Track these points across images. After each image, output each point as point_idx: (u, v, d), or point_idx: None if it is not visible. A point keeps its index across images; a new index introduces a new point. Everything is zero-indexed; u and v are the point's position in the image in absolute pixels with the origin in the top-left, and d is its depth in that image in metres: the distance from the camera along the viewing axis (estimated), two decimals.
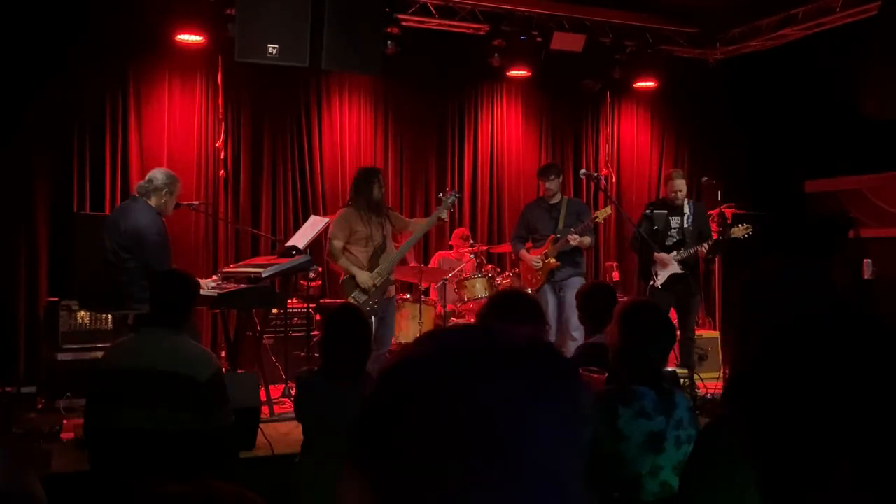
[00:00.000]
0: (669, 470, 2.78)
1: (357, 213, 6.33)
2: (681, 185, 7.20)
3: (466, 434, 0.76)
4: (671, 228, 7.15)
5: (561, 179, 7.40)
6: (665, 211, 7.19)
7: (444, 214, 6.71)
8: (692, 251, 7.00)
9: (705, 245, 7.02)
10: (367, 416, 0.81)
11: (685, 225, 7.13)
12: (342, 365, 3.58)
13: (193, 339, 5.46)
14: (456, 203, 7.25)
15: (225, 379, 3.75)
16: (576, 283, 6.73)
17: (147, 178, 5.79)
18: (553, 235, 7.11)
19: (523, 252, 7.27)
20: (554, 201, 7.28)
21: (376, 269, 6.31)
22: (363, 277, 6.26)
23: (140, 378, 3.46)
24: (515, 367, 0.80)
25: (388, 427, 0.79)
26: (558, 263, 7.07)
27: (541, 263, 7.10)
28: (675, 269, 7.00)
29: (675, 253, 7.00)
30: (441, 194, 6.96)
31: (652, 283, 7.08)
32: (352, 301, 6.16)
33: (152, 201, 5.66)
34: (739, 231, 6.99)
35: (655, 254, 7.03)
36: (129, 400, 3.45)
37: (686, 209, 7.18)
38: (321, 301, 7.78)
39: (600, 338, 3.88)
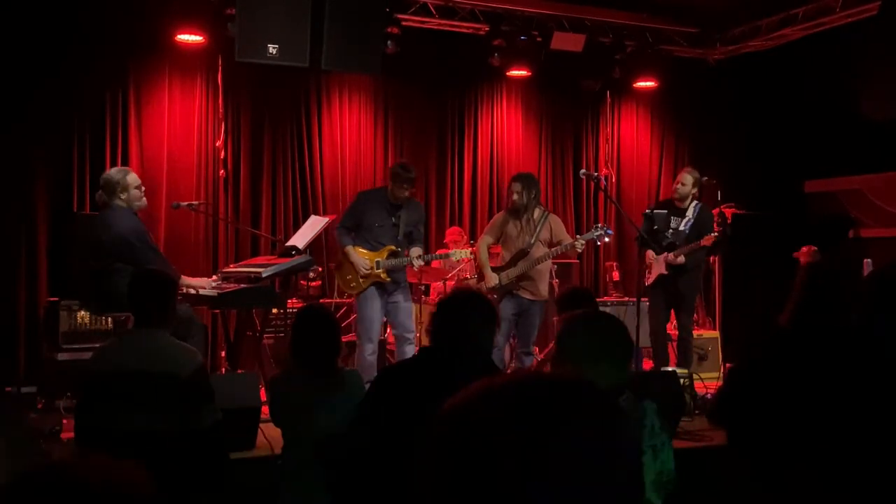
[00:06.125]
0: (648, 484, 2.64)
1: (506, 217, 6.67)
2: (683, 178, 7.08)
3: (531, 481, 0.76)
4: (668, 229, 7.10)
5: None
6: (665, 211, 7.18)
7: (580, 245, 6.62)
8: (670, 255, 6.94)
9: (670, 255, 6.91)
10: (426, 464, 0.81)
11: (680, 227, 7.06)
12: (311, 364, 3.59)
13: (197, 335, 5.53)
14: (605, 240, 7.01)
15: (222, 378, 3.75)
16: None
17: (101, 184, 5.73)
18: None
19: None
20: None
21: (506, 271, 6.53)
22: (487, 277, 6.56)
23: (126, 379, 3.47)
24: (573, 413, 0.80)
25: (448, 477, 0.79)
26: None
27: None
28: (662, 269, 6.97)
29: (665, 254, 6.97)
30: (597, 224, 6.85)
31: (644, 281, 7.11)
32: None
33: (120, 201, 5.62)
34: (708, 241, 6.86)
35: (647, 252, 7.02)
36: (116, 401, 3.46)
37: (690, 212, 7.09)
38: (321, 301, 7.78)
39: None
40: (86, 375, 3.66)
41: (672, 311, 7.24)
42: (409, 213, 6.53)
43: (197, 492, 3.40)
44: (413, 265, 6.53)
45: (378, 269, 6.38)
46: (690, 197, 7.09)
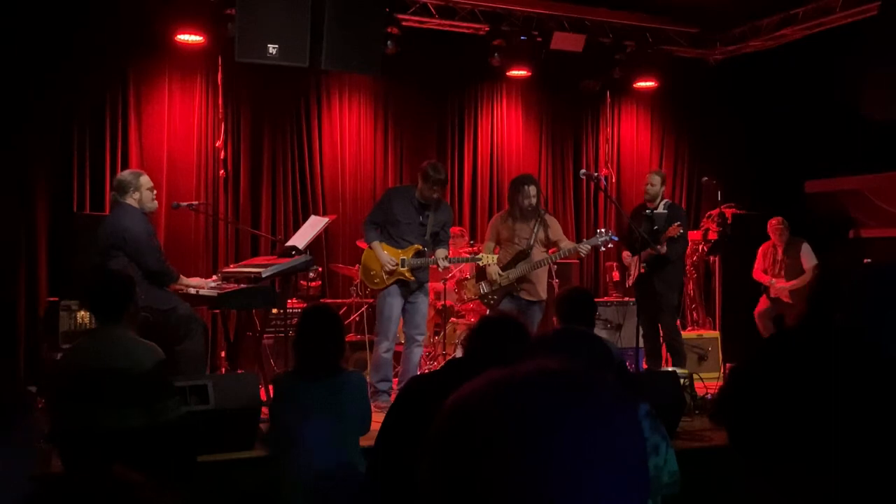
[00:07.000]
0: None
1: (503, 218, 6.82)
2: (651, 179, 7.34)
3: (532, 476, 0.75)
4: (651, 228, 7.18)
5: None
6: (666, 211, 7.21)
7: (584, 250, 6.67)
8: (648, 252, 6.98)
9: (653, 247, 6.95)
10: (429, 458, 0.81)
11: (654, 226, 7.13)
12: (315, 363, 3.59)
13: (196, 333, 5.54)
14: (608, 246, 6.91)
15: (222, 378, 3.74)
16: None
17: (114, 185, 5.79)
18: None
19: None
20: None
21: (507, 270, 6.62)
22: (491, 271, 6.67)
23: (87, 377, 3.50)
24: (578, 403, 0.79)
25: (452, 470, 0.78)
26: None
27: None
28: (640, 269, 7.03)
29: (641, 253, 7.02)
30: (600, 230, 6.84)
31: (627, 282, 7.23)
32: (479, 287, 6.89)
33: (132, 200, 5.66)
34: (673, 231, 6.96)
35: (623, 254, 7.13)
36: (79, 400, 3.49)
37: (661, 210, 7.22)
38: (321, 301, 7.78)
39: None
40: (52, 376, 3.70)
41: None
42: (437, 214, 6.55)
43: (165, 489, 3.40)
44: (438, 266, 6.54)
45: (403, 267, 6.40)
46: (660, 196, 7.32)
